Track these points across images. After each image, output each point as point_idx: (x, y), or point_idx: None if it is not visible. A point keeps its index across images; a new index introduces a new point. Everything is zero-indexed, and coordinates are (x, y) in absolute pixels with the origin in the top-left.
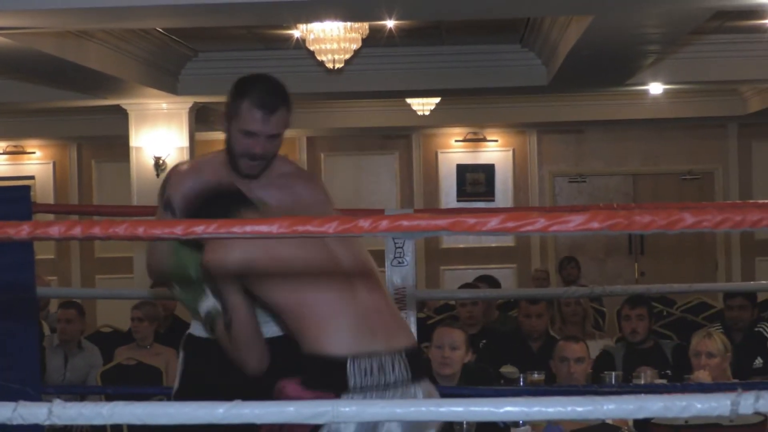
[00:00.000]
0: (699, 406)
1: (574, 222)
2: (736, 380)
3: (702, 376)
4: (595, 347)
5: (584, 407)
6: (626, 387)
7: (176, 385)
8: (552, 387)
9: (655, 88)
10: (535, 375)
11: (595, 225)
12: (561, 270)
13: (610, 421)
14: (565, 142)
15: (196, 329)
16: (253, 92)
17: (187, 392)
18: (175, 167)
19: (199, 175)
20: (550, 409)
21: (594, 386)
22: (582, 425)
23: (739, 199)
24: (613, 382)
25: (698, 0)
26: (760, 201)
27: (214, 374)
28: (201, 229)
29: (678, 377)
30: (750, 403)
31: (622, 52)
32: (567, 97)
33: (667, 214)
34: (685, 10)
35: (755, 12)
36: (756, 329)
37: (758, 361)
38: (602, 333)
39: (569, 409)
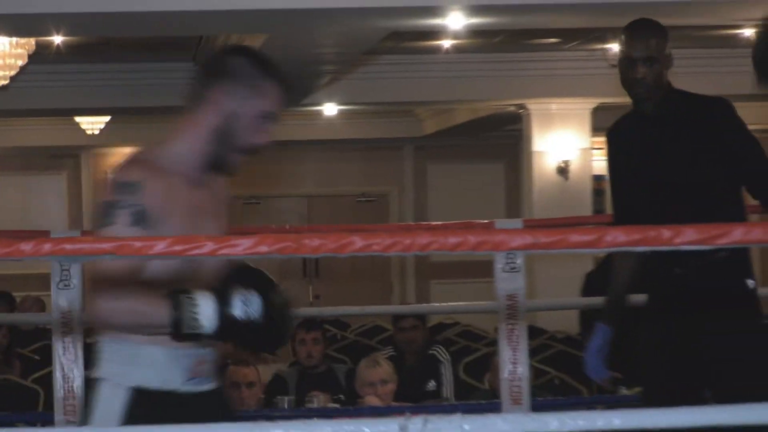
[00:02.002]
0: (368, 430)
1: (243, 246)
2: (408, 403)
3: (373, 401)
4: (268, 371)
5: None
6: (298, 411)
7: None
8: None
9: (330, 109)
10: None
11: (264, 249)
12: None
13: None
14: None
15: (150, 378)
16: (277, 69)
17: None
18: (146, 170)
19: (171, 184)
20: None
21: (266, 411)
22: None
23: (415, 220)
24: (286, 406)
25: (373, 19)
26: (432, 223)
27: None
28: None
29: (351, 401)
30: (418, 427)
31: (297, 71)
32: None
33: (337, 238)
34: (359, 30)
35: (431, 33)
36: (429, 352)
37: (431, 384)
38: (276, 357)
39: None
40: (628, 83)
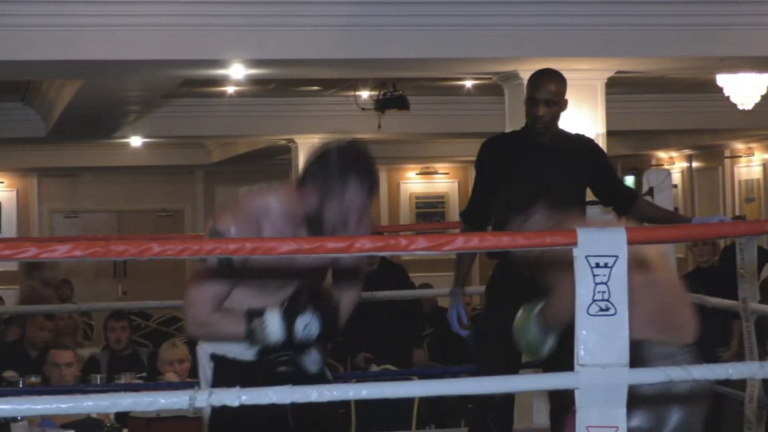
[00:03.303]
0: (163, 401)
1: (61, 250)
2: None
3: (172, 377)
4: (84, 354)
5: (67, 404)
6: (108, 386)
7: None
8: (46, 388)
9: (136, 141)
10: (33, 378)
11: (78, 253)
12: (57, 290)
13: (94, 415)
14: (61, 184)
15: (234, 350)
16: (363, 171)
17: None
18: (260, 205)
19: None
20: (38, 407)
21: (82, 386)
22: (72, 419)
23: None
24: (99, 383)
25: (170, 69)
26: None
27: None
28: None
29: (152, 378)
30: (204, 398)
31: (108, 110)
32: (63, 146)
33: (138, 244)
34: (159, 77)
35: (217, 80)
36: None
37: None
38: (91, 342)
39: (54, 406)
40: (530, 119)
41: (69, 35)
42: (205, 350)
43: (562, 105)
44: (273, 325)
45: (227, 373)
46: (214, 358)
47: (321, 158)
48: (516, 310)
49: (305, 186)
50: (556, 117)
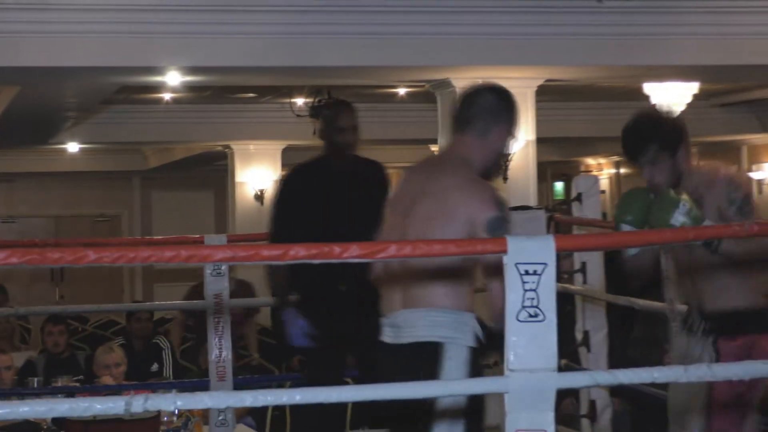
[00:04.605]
0: (99, 406)
1: None
2: (136, 382)
3: (108, 380)
4: (21, 358)
5: (3, 410)
6: (46, 390)
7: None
8: None
9: (73, 147)
10: None
11: (14, 260)
12: None
13: (32, 419)
14: None
15: (470, 339)
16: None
17: None
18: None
19: None
20: None
21: (18, 390)
22: (8, 423)
23: (142, 235)
24: (36, 386)
25: (106, 76)
26: (155, 238)
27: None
28: None
29: (89, 381)
30: (140, 404)
31: (46, 117)
32: (0, 152)
33: (74, 252)
34: (95, 84)
35: (154, 87)
36: (153, 341)
37: (155, 366)
38: (28, 346)
39: None
40: (339, 145)
41: (6, 41)
42: (453, 341)
43: (359, 130)
44: None
45: (474, 364)
46: (469, 350)
47: (500, 107)
48: (331, 320)
49: (491, 132)
50: (357, 142)
